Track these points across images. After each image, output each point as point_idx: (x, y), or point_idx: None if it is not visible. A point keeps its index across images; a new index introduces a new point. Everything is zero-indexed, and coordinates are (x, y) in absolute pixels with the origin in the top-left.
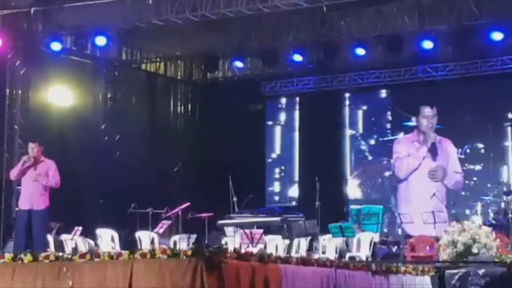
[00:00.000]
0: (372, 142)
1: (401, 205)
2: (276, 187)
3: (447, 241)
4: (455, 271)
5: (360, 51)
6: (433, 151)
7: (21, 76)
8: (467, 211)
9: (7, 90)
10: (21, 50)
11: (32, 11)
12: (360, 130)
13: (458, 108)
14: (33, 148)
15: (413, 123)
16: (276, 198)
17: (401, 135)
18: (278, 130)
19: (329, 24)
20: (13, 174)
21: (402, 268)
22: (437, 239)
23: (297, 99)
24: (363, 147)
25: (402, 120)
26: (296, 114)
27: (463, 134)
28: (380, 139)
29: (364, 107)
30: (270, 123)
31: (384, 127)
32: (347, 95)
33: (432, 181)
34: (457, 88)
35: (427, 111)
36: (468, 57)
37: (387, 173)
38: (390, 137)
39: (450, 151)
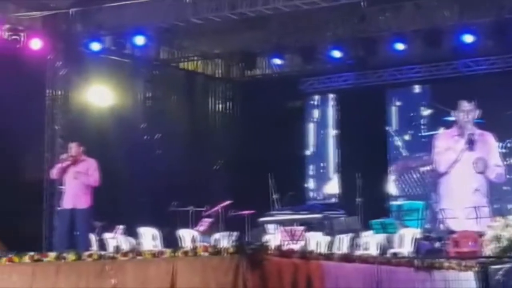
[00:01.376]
0: (410, 137)
1: (442, 200)
2: (316, 184)
3: (491, 236)
4: (499, 266)
5: (399, 46)
6: (471, 142)
7: (61, 76)
8: (509, 206)
9: (48, 91)
10: (61, 51)
11: (71, 12)
12: (399, 125)
13: (499, 102)
14: (72, 147)
15: (452, 118)
16: (316, 195)
17: (441, 130)
18: (317, 127)
19: (367, 20)
20: (53, 173)
21: (446, 264)
22: (481, 235)
23: (336, 95)
24: (401, 143)
25: (442, 115)
26: (335, 110)
27: (504, 128)
28: (419, 134)
29: (403, 102)
30: (309, 119)
31: (424, 122)
32: (386, 90)
33: (474, 173)
34: (498, 82)
35: (464, 105)
36: (509, 50)
37: (426, 168)
38: (430, 132)
39: (491, 144)
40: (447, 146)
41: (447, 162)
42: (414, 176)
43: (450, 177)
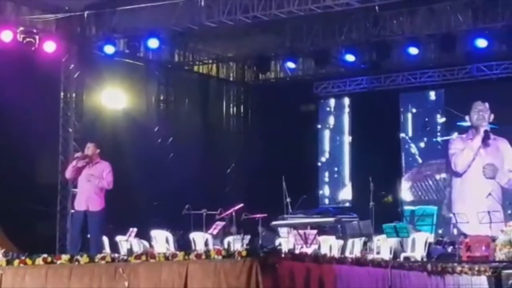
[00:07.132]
0: (425, 143)
1: (455, 204)
2: (329, 188)
3: (503, 241)
4: None
5: (413, 50)
6: (487, 137)
7: (75, 79)
8: None
9: (62, 93)
10: (75, 53)
11: (85, 15)
12: (414, 131)
13: None
14: (89, 147)
15: (467, 123)
16: (329, 199)
17: (455, 135)
18: (330, 131)
19: (381, 24)
20: (67, 173)
21: (458, 268)
22: (493, 239)
23: (350, 99)
24: (416, 150)
25: (456, 120)
26: (349, 114)
27: None
28: (434, 139)
29: (417, 107)
30: (322, 123)
31: (438, 127)
32: (399, 94)
33: (485, 178)
34: None
35: (478, 104)
36: None
37: (441, 175)
38: (444, 137)
39: (504, 150)
40: (462, 147)
41: (464, 162)
42: (428, 183)
43: (463, 181)
